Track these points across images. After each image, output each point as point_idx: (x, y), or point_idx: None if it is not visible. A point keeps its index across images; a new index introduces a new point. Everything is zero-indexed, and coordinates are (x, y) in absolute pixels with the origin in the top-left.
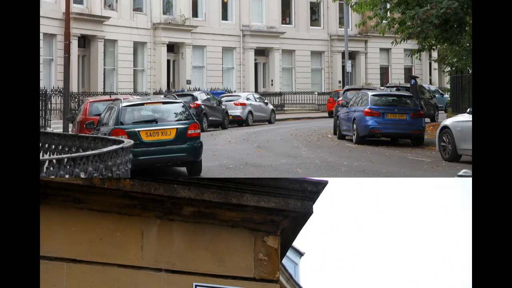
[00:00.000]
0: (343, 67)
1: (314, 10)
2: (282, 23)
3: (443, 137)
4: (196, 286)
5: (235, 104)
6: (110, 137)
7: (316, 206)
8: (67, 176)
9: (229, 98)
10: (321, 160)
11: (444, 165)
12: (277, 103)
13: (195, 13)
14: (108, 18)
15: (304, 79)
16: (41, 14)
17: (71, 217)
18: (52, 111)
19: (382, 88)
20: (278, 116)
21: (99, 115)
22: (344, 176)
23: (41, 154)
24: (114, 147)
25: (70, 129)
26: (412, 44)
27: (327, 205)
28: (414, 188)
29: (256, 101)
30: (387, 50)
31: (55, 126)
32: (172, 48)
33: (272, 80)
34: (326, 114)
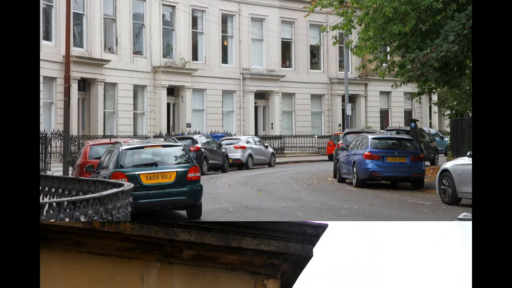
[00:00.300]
0: (343, 110)
1: (314, 53)
2: (282, 66)
3: (443, 180)
4: None
5: (235, 147)
6: (110, 180)
7: (316, 249)
8: (67, 219)
9: (229, 141)
10: (321, 203)
11: (444, 208)
12: (277, 146)
13: (195, 57)
14: (108, 61)
15: (304, 122)
16: (41, 57)
17: (71, 260)
18: (52, 154)
19: (382, 131)
20: (278, 159)
21: (99, 158)
22: (344, 219)
23: (41, 197)
24: (114, 190)
25: (70, 172)
26: (412, 87)
27: (327, 249)
28: (414, 231)
29: (256, 144)
30: (387, 93)
31: (55, 169)
32: (172, 91)
33: (272, 123)
34: (326, 158)
